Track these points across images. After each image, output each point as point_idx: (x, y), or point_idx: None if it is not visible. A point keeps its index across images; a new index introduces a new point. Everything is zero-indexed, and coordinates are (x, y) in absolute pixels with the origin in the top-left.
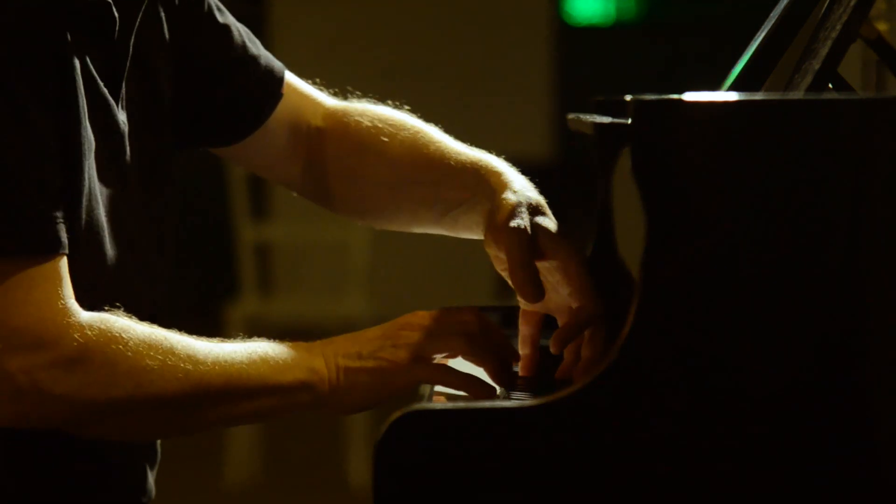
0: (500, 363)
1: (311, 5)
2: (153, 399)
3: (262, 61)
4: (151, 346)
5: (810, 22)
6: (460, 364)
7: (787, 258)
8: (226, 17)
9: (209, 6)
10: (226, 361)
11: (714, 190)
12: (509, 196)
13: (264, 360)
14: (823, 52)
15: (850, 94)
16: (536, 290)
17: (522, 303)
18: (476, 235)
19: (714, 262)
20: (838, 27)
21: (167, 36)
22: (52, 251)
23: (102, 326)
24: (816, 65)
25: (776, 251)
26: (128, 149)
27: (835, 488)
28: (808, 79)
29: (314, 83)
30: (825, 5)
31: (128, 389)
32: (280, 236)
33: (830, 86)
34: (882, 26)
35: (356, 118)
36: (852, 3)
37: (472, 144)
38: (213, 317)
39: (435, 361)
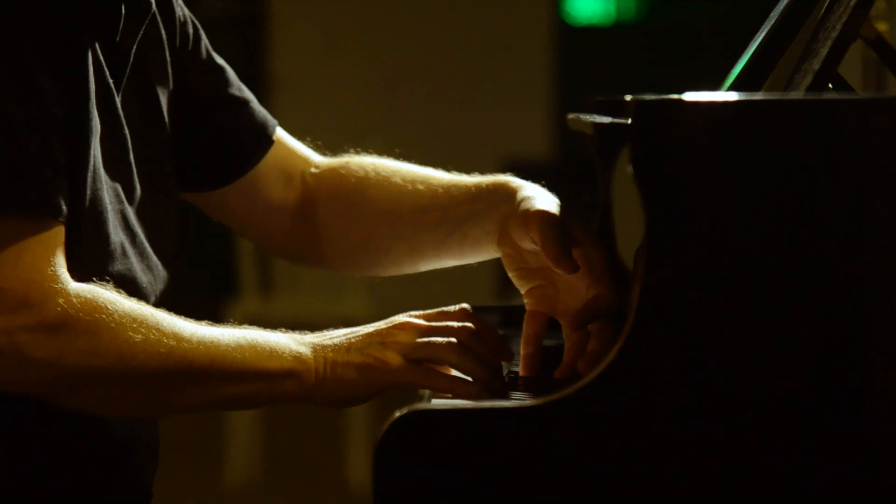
0: (488, 374)
1: (311, 5)
2: (134, 372)
3: (256, 106)
4: (136, 320)
5: (810, 22)
6: None
7: (787, 258)
8: (222, 62)
9: (207, 51)
10: (211, 342)
11: (714, 190)
12: (534, 191)
13: (252, 346)
14: (823, 52)
15: (850, 94)
16: (573, 261)
17: (529, 304)
18: (481, 251)
19: (714, 262)
20: (838, 27)
21: (169, 69)
22: (49, 215)
23: (89, 296)
24: (816, 65)
25: (776, 251)
26: (131, 149)
27: (835, 488)
28: (808, 79)
29: (306, 142)
30: (825, 5)
31: (109, 360)
32: None
33: (830, 86)
34: (882, 26)
35: (355, 163)
36: (852, 3)
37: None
38: (214, 317)
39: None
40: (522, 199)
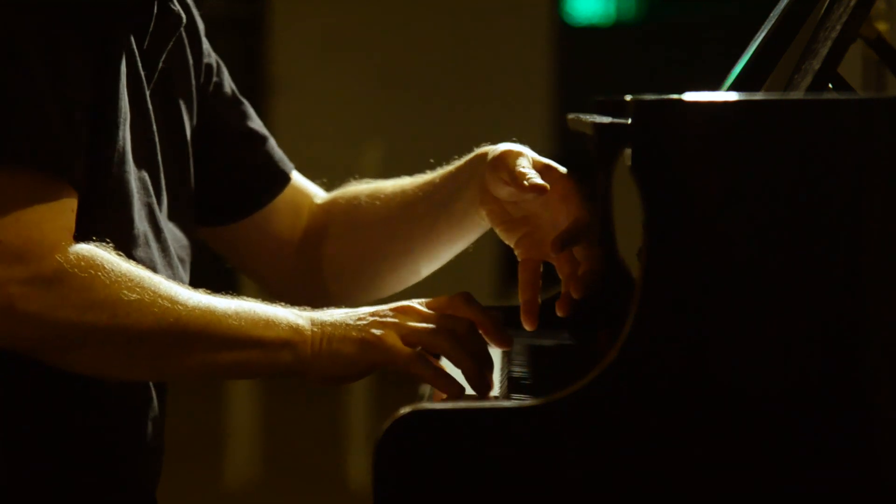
0: (476, 371)
1: (311, 5)
2: (127, 331)
3: (274, 143)
4: (132, 280)
5: (810, 22)
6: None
7: (787, 258)
8: (243, 98)
9: (231, 86)
10: (207, 307)
11: (714, 190)
12: (502, 144)
13: (248, 314)
14: (823, 52)
15: (850, 94)
16: (542, 182)
17: (519, 253)
18: (470, 223)
19: (714, 262)
20: (838, 27)
21: (194, 95)
22: (61, 178)
23: (86, 253)
24: (816, 65)
25: (776, 251)
26: (159, 150)
27: (835, 488)
28: (808, 79)
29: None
30: (825, 5)
31: (102, 317)
32: None
33: (830, 86)
34: (882, 26)
35: (352, 188)
36: (852, 3)
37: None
38: None
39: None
40: (492, 152)
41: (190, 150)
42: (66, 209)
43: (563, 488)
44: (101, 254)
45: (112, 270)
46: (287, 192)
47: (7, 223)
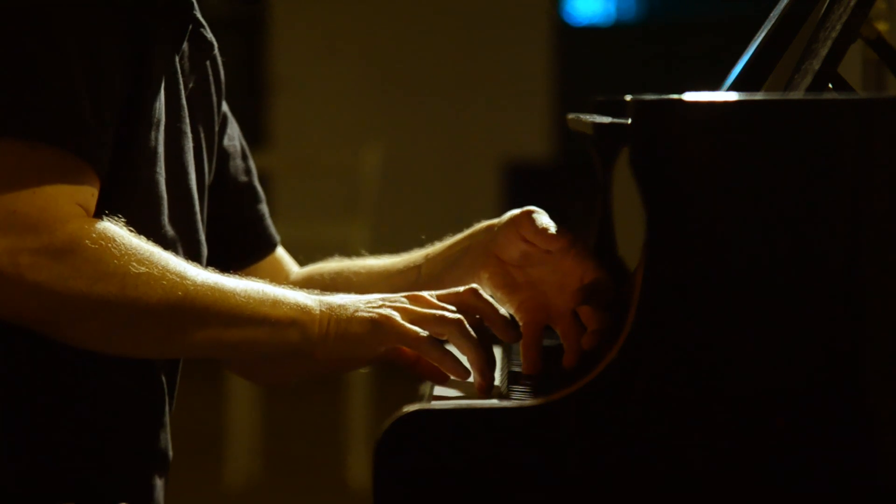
0: (482, 361)
1: (311, 5)
2: (135, 304)
3: (267, 209)
4: (142, 253)
5: (810, 22)
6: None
7: (786, 258)
8: (251, 158)
9: (242, 145)
10: (215, 284)
11: (714, 190)
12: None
13: (257, 293)
14: (823, 52)
15: (850, 94)
16: (573, 236)
17: (522, 317)
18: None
19: (713, 262)
20: (838, 27)
21: (215, 134)
22: (82, 157)
23: (98, 227)
24: (816, 65)
25: (776, 251)
26: (190, 155)
27: (835, 488)
28: (808, 79)
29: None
30: (825, 5)
31: (111, 289)
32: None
33: (830, 86)
34: (882, 26)
35: (332, 265)
36: (852, 3)
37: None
38: None
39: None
40: (503, 218)
41: (207, 176)
42: (85, 190)
43: (564, 488)
44: (112, 227)
45: (122, 244)
46: (270, 259)
47: (24, 195)
